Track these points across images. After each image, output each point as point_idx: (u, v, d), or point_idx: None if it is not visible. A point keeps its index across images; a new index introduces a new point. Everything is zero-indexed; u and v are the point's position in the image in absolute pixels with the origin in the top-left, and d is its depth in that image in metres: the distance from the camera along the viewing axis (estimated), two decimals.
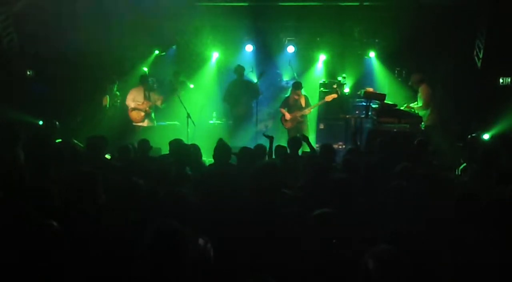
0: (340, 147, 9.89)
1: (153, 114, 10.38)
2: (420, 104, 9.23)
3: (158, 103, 10.28)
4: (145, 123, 10.21)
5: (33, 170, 4.45)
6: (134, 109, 10.15)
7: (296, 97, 10.09)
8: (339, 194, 4.14)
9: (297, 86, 10.11)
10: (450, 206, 3.91)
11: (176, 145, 6.41)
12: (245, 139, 9.94)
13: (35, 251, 3.16)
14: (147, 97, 10.17)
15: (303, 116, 10.19)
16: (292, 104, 10.17)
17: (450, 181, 5.00)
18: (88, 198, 3.95)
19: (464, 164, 5.49)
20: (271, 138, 6.86)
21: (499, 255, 3.33)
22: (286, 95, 10.60)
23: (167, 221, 3.03)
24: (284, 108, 10.19)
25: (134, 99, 10.15)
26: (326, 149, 6.28)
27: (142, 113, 10.17)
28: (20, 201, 3.96)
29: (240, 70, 10.55)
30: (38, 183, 4.22)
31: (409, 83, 9.56)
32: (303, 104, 10.13)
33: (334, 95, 10.11)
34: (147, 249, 2.92)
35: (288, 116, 10.11)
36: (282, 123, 10.32)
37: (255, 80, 10.86)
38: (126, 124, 10.15)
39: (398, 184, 4.26)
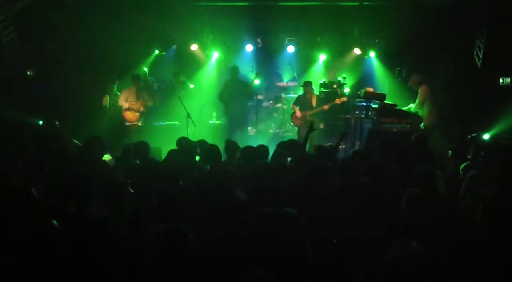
0: (340, 146, 9.87)
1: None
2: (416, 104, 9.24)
3: (149, 103, 10.29)
4: (140, 123, 10.22)
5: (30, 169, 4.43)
6: (128, 109, 10.14)
7: (308, 96, 10.26)
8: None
9: (308, 84, 10.28)
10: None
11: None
12: (243, 138, 9.97)
13: (35, 250, 3.16)
14: (140, 97, 10.17)
15: (313, 115, 10.25)
16: (303, 103, 10.33)
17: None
18: (79, 199, 3.92)
19: (465, 163, 5.47)
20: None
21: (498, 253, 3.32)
22: (299, 94, 10.69)
23: (174, 223, 3.07)
24: (296, 106, 10.37)
25: (127, 99, 10.14)
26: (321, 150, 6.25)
27: (137, 113, 10.18)
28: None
29: (233, 70, 10.64)
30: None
31: (409, 84, 9.55)
32: (314, 104, 10.27)
33: (344, 98, 10.19)
34: (152, 249, 2.95)
35: (298, 114, 10.27)
36: (292, 121, 10.51)
37: (254, 80, 10.86)
38: (121, 125, 10.16)
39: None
